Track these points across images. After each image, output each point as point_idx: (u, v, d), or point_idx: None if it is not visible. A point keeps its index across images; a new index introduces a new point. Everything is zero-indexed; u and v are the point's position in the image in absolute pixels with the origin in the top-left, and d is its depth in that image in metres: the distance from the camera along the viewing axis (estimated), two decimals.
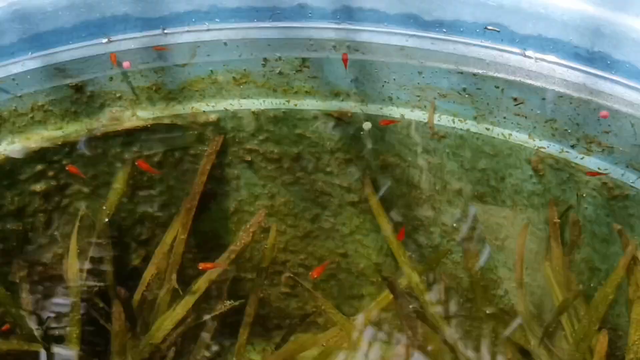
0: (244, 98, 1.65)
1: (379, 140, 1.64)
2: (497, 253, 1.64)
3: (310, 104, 1.64)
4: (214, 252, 1.79)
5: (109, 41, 1.56)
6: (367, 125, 1.64)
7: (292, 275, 1.72)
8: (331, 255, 1.82)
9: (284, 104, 1.65)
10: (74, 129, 1.60)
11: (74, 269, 1.60)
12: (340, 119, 1.64)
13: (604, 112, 1.41)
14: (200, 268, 1.56)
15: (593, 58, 1.43)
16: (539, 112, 1.50)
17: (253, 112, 1.65)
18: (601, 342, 1.37)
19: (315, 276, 1.62)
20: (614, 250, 1.50)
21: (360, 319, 1.61)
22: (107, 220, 1.65)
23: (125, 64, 1.57)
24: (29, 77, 1.54)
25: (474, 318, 1.69)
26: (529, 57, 1.48)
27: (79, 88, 1.58)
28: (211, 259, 1.75)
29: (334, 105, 1.64)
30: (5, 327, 1.55)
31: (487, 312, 1.54)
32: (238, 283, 1.84)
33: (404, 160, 1.64)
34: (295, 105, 1.64)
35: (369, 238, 1.77)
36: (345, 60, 1.53)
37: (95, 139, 1.62)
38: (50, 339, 1.54)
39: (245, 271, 1.85)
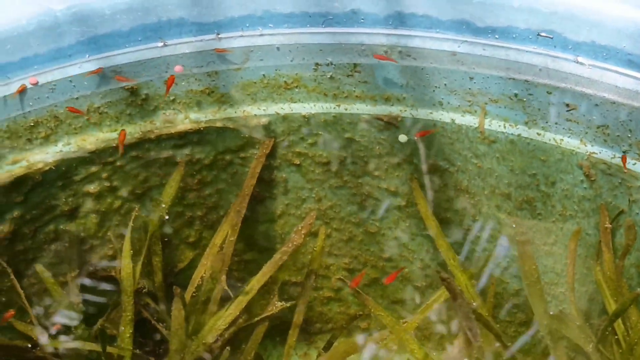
0: (295, 102, 1.67)
1: (428, 144, 1.65)
2: (546, 258, 1.65)
3: (360, 108, 1.66)
4: (261, 255, 1.81)
5: (164, 45, 1.58)
6: (402, 138, 1.66)
7: (342, 278, 1.73)
8: (375, 259, 1.84)
9: (334, 108, 1.67)
10: (128, 131, 1.62)
11: (128, 269, 1.61)
12: (390, 123, 1.65)
13: None
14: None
15: None
16: (591, 118, 1.51)
17: (303, 116, 1.67)
18: None
19: (354, 286, 1.63)
20: None
21: (410, 321, 1.62)
22: (160, 221, 1.67)
23: (178, 67, 1.59)
24: (85, 79, 1.56)
25: (522, 322, 1.70)
26: (582, 63, 1.49)
27: (134, 91, 1.60)
28: (257, 261, 1.77)
29: (384, 109, 1.65)
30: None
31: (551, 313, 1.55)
32: (282, 286, 1.85)
33: (453, 164, 1.66)
34: (346, 109, 1.66)
35: (415, 242, 1.79)
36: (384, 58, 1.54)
37: (149, 141, 1.64)
38: (105, 339, 1.55)
39: (289, 274, 1.86)
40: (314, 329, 1.96)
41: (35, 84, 1.50)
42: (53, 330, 1.61)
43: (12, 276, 1.59)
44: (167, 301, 1.71)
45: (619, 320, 1.48)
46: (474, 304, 1.52)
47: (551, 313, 1.54)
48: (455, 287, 1.40)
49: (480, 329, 1.47)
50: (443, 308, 1.74)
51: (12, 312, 1.57)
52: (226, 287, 1.64)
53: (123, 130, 1.59)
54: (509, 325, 1.75)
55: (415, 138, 1.64)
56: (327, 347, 1.75)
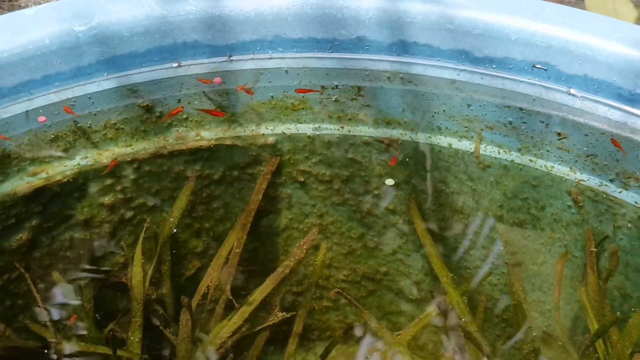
0: (301, 123, 1.75)
1: (426, 167, 1.74)
2: (534, 277, 1.74)
3: (362, 131, 1.75)
4: (265, 266, 1.90)
5: (179, 65, 1.67)
6: (389, 182, 1.76)
7: (340, 290, 1.82)
8: (372, 272, 1.92)
9: (338, 129, 1.75)
10: (142, 147, 1.71)
11: (139, 277, 1.70)
12: (390, 146, 1.74)
13: None
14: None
15: (634, 99, 1.53)
16: (580, 147, 1.60)
17: (308, 136, 1.76)
18: None
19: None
20: None
21: (403, 333, 1.71)
22: (170, 233, 1.76)
23: (217, 79, 1.67)
24: (103, 96, 1.64)
25: (509, 336, 1.79)
26: (574, 95, 1.58)
27: (148, 108, 1.68)
28: (259, 272, 1.86)
29: (385, 132, 1.74)
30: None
31: (533, 334, 1.64)
32: (284, 297, 1.95)
33: (449, 186, 1.74)
34: (349, 131, 1.75)
35: (411, 258, 1.87)
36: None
37: (162, 157, 1.72)
38: (115, 343, 1.63)
39: (291, 285, 1.95)
40: (312, 336, 2.04)
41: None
42: (69, 323, 1.69)
43: (30, 281, 1.68)
44: (175, 308, 1.80)
45: (600, 339, 1.57)
46: (463, 319, 1.61)
47: (534, 334, 1.63)
48: (447, 308, 1.49)
49: (468, 344, 1.55)
50: (436, 320, 1.82)
51: (75, 316, 1.67)
52: (230, 297, 1.73)
53: (115, 159, 1.66)
54: (497, 339, 1.84)
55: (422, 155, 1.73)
56: (325, 354, 1.84)
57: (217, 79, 1.66)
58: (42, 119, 1.60)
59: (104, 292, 1.79)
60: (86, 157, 1.68)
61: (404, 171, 1.76)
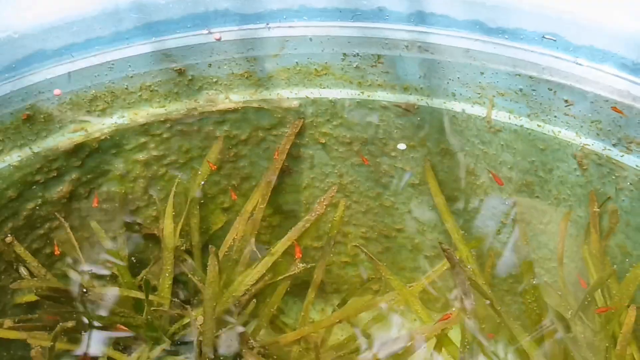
0: (324, 88, 1.86)
1: (441, 131, 1.84)
2: (540, 235, 1.84)
3: (381, 96, 1.85)
4: (287, 221, 2.02)
5: (210, 32, 1.77)
6: (401, 146, 1.86)
7: (357, 245, 1.93)
8: (388, 229, 2.04)
9: (358, 94, 1.86)
10: (175, 108, 1.83)
11: (169, 228, 1.83)
12: (408, 110, 1.84)
13: None
14: None
15: (637, 69, 1.61)
16: (586, 113, 1.69)
17: (330, 101, 1.86)
18: (629, 316, 1.56)
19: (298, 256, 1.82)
20: None
21: (415, 285, 1.82)
22: (199, 188, 1.88)
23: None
24: (139, 60, 1.76)
25: (516, 292, 1.90)
26: (581, 64, 1.66)
27: (181, 72, 1.80)
28: (282, 226, 1.98)
29: (402, 97, 1.84)
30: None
31: (534, 282, 1.75)
32: (305, 250, 2.07)
33: (462, 149, 1.84)
34: (369, 96, 1.85)
35: (425, 217, 1.99)
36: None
37: (192, 117, 1.84)
38: (148, 288, 1.76)
39: (311, 240, 2.07)
40: (330, 289, 2.17)
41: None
42: (105, 270, 1.83)
43: (69, 230, 1.81)
44: (202, 258, 1.93)
45: (600, 292, 1.68)
46: (471, 271, 1.73)
47: (534, 282, 1.74)
48: (454, 257, 1.60)
49: (476, 295, 1.67)
50: (448, 275, 1.93)
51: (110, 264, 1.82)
52: (254, 249, 1.85)
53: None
54: (505, 294, 1.95)
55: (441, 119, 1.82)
56: (342, 304, 1.96)
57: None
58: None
59: (138, 242, 1.92)
60: (123, 117, 1.80)
61: (420, 134, 1.86)
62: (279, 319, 1.98)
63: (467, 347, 1.63)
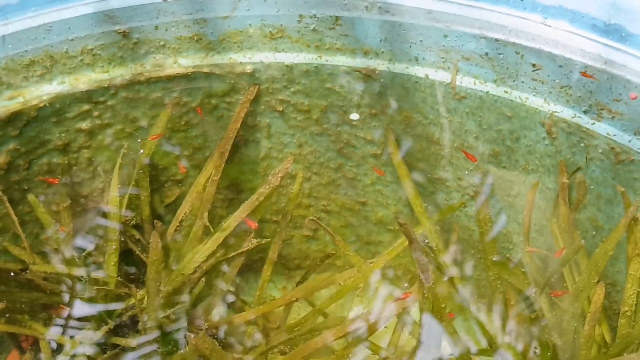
0: (279, 52, 1.75)
1: (403, 97, 1.74)
2: (508, 209, 1.75)
3: (340, 60, 1.75)
4: (243, 194, 1.92)
5: None
6: (354, 116, 1.76)
7: (314, 219, 1.83)
8: (351, 202, 1.94)
9: (316, 59, 1.75)
10: (119, 73, 1.72)
11: (115, 202, 1.73)
12: (368, 76, 1.74)
13: (633, 94, 1.51)
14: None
15: (609, 30, 1.51)
16: (555, 78, 1.59)
17: (286, 66, 1.76)
18: (598, 293, 1.48)
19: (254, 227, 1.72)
20: (618, 211, 1.60)
21: (376, 262, 1.73)
22: (146, 159, 1.77)
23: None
24: (80, 22, 1.65)
25: (482, 266, 1.81)
26: (549, 25, 1.56)
27: (125, 35, 1.69)
28: (240, 200, 1.88)
29: (362, 62, 1.74)
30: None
31: (494, 259, 1.66)
32: (263, 225, 1.97)
33: (426, 117, 1.75)
34: (327, 60, 1.75)
35: (389, 189, 1.89)
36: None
37: (139, 83, 1.73)
38: (89, 265, 1.67)
39: (270, 214, 1.97)
40: (293, 264, 2.08)
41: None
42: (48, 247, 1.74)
43: (7, 204, 1.70)
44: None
45: (568, 268, 1.59)
46: (426, 241, 1.64)
47: (495, 259, 1.64)
48: (411, 231, 1.50)
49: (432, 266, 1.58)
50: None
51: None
52: (207, 223, 1.75)
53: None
54: (473, 270, 1.86)
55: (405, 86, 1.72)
56: (302, 282, 1.87)
57: None
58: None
59: (84, 216, 1.82)
60: (63, 83, 1.69)
61: (381, 102, 1.76)
62: (240, 297, 1.88)
63: (426, 327, 1.54)
